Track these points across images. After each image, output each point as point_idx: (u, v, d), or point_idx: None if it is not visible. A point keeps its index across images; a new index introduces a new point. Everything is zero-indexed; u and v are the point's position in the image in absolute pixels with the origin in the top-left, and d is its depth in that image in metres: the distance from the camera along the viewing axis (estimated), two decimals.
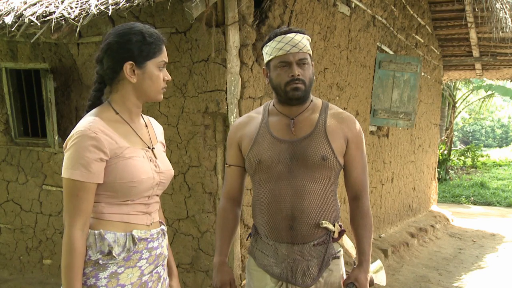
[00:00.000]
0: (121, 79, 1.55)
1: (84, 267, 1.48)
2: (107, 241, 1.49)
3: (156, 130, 1.74)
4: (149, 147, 1.62)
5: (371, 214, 1.94)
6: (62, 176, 1.48)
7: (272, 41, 1.82)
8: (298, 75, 1.78)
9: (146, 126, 1.68)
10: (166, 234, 1.72)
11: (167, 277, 1.74)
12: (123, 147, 1.52)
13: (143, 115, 1.71)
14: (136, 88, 1.55)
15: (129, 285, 1.53)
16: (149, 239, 1.57)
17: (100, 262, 1.49)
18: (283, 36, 1.80)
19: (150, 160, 1.59)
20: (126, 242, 1.52)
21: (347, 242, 1.96)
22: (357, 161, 1.88)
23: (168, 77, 1.59)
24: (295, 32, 1.80)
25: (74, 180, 1.44)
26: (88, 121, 1.50)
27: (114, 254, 1.49)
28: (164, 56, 1.57)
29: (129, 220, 1.55)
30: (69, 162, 1.45)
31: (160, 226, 1.68)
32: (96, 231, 1.50)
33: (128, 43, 1.51)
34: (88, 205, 1.47)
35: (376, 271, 2.06)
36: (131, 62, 1.52)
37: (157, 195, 1.66)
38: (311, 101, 1.90)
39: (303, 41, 1.80)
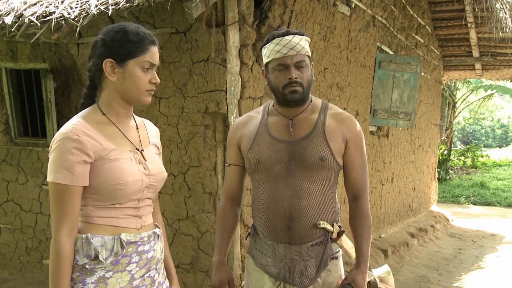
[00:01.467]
0: (105, 77, 1.52)
1: (72, 272, 1.45)
2: (93, 245, 1.46)
3: (150, 132, 1.70)
4: (137, 149, 1.58)
5: (371, 215, 1.93)
6: (47, 180, 1.46)
7: (270, 43, 1.81)
8: (296, 77, 1.78)
9: (138, 128, 1.64)
10: (162, 237, 1.68)
11: (165, 281, 1.71)
12: (108, 149, 1.49)
13: (136, 116, 1.68)
14: (118, 88, 1.52)
15: None
16: (139, 243, 1.54)
17: (87, 266, 1.46)
18: (280, 38, 1.79)
19: (139, 162, 1.56)
20: (114, 246, 1.49)
21: (347, 243, 1.96)
22: (357, 162, 1.88)
23: (155, 79, 1.53)
24: (293, 34, 1.79)
25: (58, 184, 1.42)
26: (71, 124, 1.48)
27: (101, 258, 1.46)
28: (149, 57, 1.51)
29: (117, 223, 1.52)
30: (52, 165, 1.43)
31: (153, 229, 1.64)
32: (83, 235, 1.47)
33: (110, 41, 1.50)
34: (74, 208, 1.44)
35: (384, 275, 2.06)
36: (111, 59, 1.49)
37: (148, 198, 1.62)
38: (311, 101, 1.90)
39: (301, 43, 1.79)
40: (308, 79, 1.82)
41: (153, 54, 1.52)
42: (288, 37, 1.78)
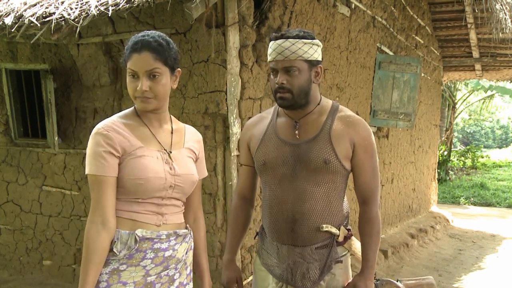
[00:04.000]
0: None
1: None
2: None
3: (188, 137, 1.75)
4: (165, 150, 1.64)
5: (380, 221, 1.87)
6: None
7: (269, 45, 1.82)
8: (282, 83, 1.74)
9: (172, 132, 1.69)
10: (188, 240, 1.70)
11: (190, 283, 1.74)
12: (135, 145, 1.56)
13: (178, 122, 1.75)
14: None
15: (131, 283, 1.54)
16: (155, 240, 1.57)
17: None
18: (273, 42, 1.77)
19: (166, 162, 1.61)
20: (128, 240, 1.54)
21: (357, 246, 1.94)
22: (365, 166, 1.83)
23: (139, 87, 1.53)
24: (285, 38, 1.74)
25: (90, 175, 1.53)
26: (104, 121, 1.59)
27: (115, 251, 1.52)
28: (130, 64, 1.54)
29: (137, 218, 1.57)
30: (87, 159, 1.55)
31: (177, 229, 1.66)
32: None
33: None
34: (106, 199, 1.51)
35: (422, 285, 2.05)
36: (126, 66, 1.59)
37: (176, 199, 1.66)
38: (318, 104, 1.87)
39: (292, 48, 1.72)
40: (300, 85, 1.76)
41: (134, 61, 1.54)
42: (279, 42, 1.75)
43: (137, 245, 1.53)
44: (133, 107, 1.66)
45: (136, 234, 1.54)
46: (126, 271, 1.53)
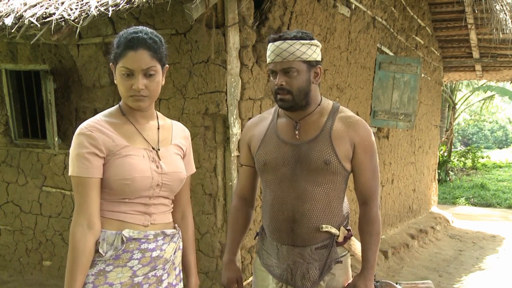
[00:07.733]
0: None
1: None
2: None
3: (175, 133, 1.73)
4: (153, 148, 1.61)
5: (380, 222, 1.87)
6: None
7: (268, 47, 1.81)
8: (282, 84, 1.74)
9: (159, 128, 1.67)
10: (176, 239, 1.68)
11: (179, 283, 1.72)
12: (120, 145, 1.53)
13: (164, 118, 1.72)
14: None
15: (118, 284, 1.52)
16: (142, 240, 1.55)
17: None
18: (271, 43, 1.78)
19: (152, 160, 1.58)
20: (114, 240, 1.52)
21: (357, 247, 1.93)
22: (365, 166, 1.83)
23: (136, 86, 1.50)
24: (284, 39, 1.74)
25: (73, 176, 1.50)
26: (87, 121, 1.56)
27: (101, 251, 1.50)
28: (125, 62, 1.49)
29: (124, 218, 1.54)
30: (70, 160, 1.52)
31: (165, 229, 1.64)
32: None
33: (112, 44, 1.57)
34: (91, 201, 1.49)
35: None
36: (112, 63, 1.56)
37: (164, 197, 1.64)
38: (319, 104, 1.87)
39: (290, 49, 1.73)
40: (300, 86, 1.76)
41: (129, 59, 1.50)
42: (277, 43, 1.75)
43: (124, 245, 1.51)
44: (117, 106, 1.63)
45: (123, 235, 1.51)
46: (112, 272, 1.51)
